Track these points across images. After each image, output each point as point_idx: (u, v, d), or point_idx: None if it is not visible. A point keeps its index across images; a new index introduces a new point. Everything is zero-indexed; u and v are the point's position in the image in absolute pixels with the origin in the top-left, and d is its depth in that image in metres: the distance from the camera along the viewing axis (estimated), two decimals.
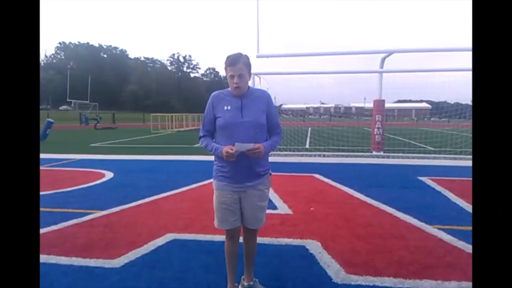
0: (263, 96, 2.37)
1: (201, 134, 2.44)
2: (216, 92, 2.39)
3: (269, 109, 2.36)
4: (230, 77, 2.23)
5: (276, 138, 2.42)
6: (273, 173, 2.54)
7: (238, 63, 2.20)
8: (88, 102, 42.28)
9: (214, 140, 2.40)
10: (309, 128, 20.48)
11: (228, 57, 2.24)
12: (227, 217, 2.38)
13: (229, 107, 2.28)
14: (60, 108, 42.95)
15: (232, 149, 2.16)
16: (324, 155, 10.08)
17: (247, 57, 2.28)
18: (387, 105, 10.91)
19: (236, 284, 2.57)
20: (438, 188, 5.81)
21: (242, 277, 2.61)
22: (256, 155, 2.20)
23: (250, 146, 2.17)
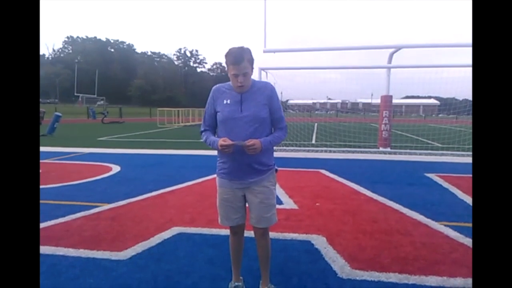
0: (265, 88, 2.24)
1: (202, 128, 2.37)
2: (217, 85, 2.31)
3: (271, 102, 2.23)
4: (234, 76, 2.10)
5: (279, 133, 2.30)
6: (279, 168, 2.48)
7: (243, 62, 2.06)
8: (95, 96, 42.51)
9: (216, 135, 2.34)
10: (316, 124, 20.40)
11: (230, 54, 2.08)
12: (229, 214, 2.35)
13: (228, 101, 2.20)
14: (97, 104, 43.25)
15: (225, 141, 2.10)
16: (330, 151, 10.05)
17: (250, 52, 2.13)
18: (394, 101, 10.82)
19: (241, 277, 2.56)
20: (445, 184, 5.77)
21: (260, 281, 2.53)
22: (252, 151, 2.10)
23: (244, 143, 2.08)
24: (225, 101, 2.21)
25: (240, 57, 2.05)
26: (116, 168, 7.10)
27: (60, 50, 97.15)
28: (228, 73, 2.13)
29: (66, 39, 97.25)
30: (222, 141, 2.12)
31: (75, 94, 41.26)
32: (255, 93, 2.21)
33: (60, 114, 16.02)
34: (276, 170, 2.40)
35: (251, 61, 2.12)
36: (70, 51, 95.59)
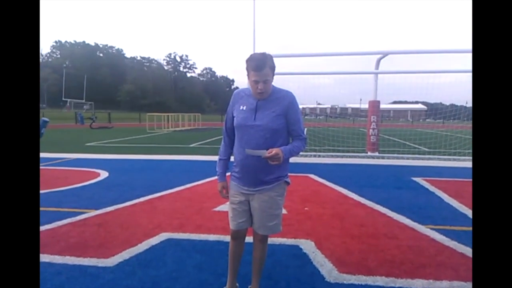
0: (284, 98, 2.17)
1: (223, 133, 2.37)
2: (238, 89, 2.31)
3: (289, 113, 2.16)
4: (254, 82, 2.06)
5: (298, 143, 2.23)
6: (290, 181, 2.39)
7: (265, 68, 2.02)
8: (84, 101, 42.04)
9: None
10: (305, 129, 20.54)
11: (252, 59, 2.05)
12: (234, 217, 2.34)
13: (244, 107, 2.17)
14: (85, 109, 42.44)
15: (224, 192, 2.36)
16: (319, 156, 10.11)
17: (272, 59, 2.09)
18: (383, 106, 10.99)
19: (237, 285, 2.54)
20: (432, 188, 5.86)
21: (249, 286, 2.52)
22: (276, 161, 2.04)
23: (263, 152, 2.02)
24: (241, 107, 2.19)
25: (262, 64, 2.02)
26: (104, 174, 7.03)
27: (48, 55, 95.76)
28: (248, 79, 2.10)
29: (54, 44, 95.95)
30: (223, 189, 2.38)
31: (63, 99, 40.72)
32: (273, 102, 2.16)
33: (47, 119, 15.75)
34: (288, 183, 2.35)
35: (273, 68, 2.09)
36: (58, 56, 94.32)
